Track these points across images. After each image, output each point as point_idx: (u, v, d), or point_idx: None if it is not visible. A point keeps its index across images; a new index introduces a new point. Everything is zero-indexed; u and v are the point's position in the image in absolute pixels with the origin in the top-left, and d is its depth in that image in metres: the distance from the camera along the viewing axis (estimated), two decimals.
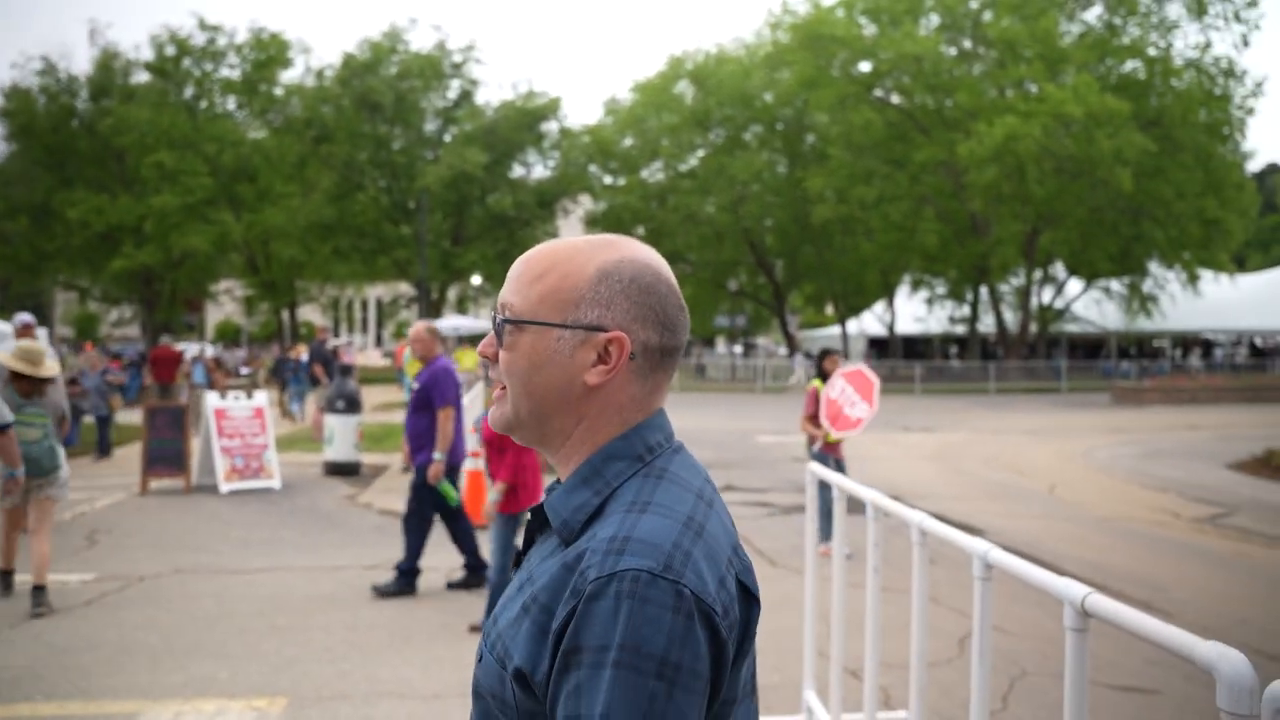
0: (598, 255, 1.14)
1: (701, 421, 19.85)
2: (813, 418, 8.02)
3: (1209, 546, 8.66)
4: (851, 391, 7.96)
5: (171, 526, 8.78)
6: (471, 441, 9.35)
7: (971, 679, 2.37)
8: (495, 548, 5.61)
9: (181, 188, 34.18)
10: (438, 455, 6.58)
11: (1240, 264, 51.52)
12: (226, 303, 49.18)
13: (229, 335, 61.22)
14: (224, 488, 10.61)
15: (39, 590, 5.94)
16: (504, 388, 1.16)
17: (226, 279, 46.09)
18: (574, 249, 1.16)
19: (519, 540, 5.85)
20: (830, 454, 7.98)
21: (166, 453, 10.66)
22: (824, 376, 8.16)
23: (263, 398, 11.57)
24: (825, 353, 8.45)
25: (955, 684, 4.79)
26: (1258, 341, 48.08)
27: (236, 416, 11.08)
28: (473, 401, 9.84)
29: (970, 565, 2.37)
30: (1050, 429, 19.78)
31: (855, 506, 3.74)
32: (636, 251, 1.16)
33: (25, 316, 9.27)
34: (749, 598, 1.08)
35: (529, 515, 1.19)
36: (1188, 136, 34.06)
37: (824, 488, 8.09)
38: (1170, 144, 33.54)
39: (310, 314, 57.27)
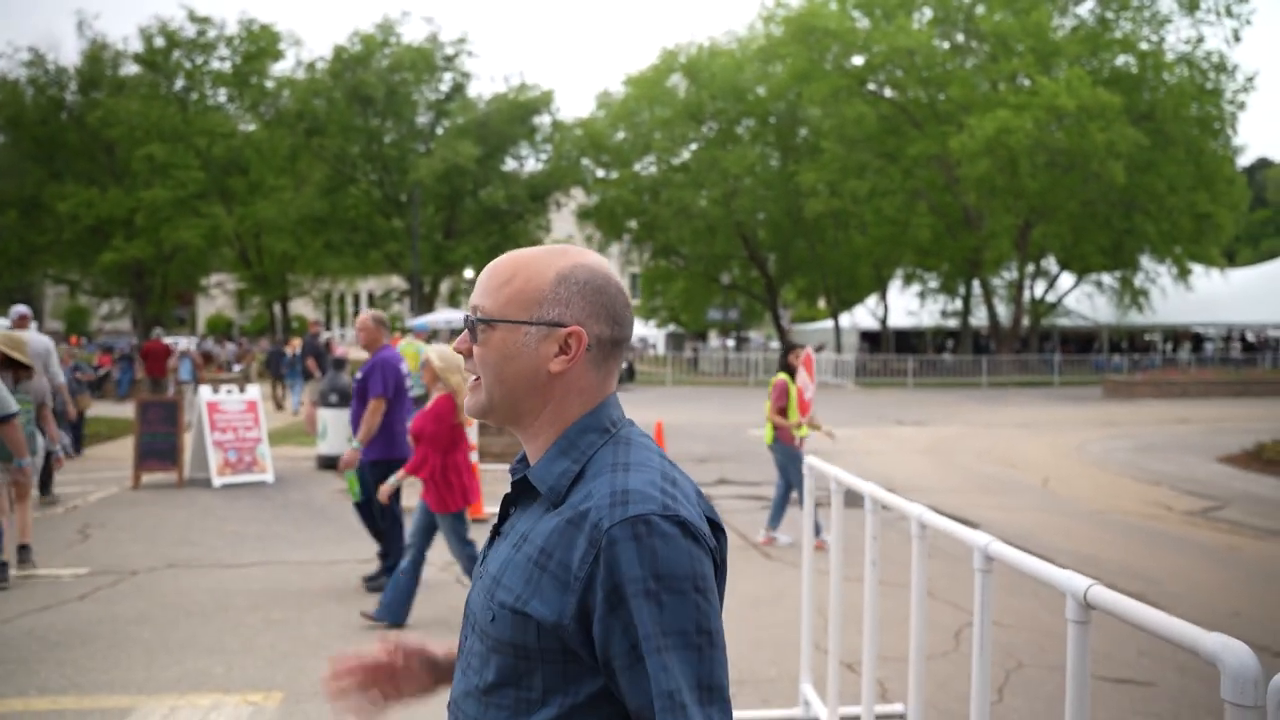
0: (555, 261, 1.34)
1: (694, 415, 19.87)
2: (782, 411, 8.01)
3: (1201, 540, 8.70)
4: (805, 375, 8.14)
5: (164, 520, 8.75)
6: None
7: (972, 671, 2.37)
8: (465, 541, 5.63)
9: (172, 181, 34.00)
10: (354, 443, 6.45)
11: (1230, 258, 51.68)
12: (218, 296, 49.00)
13: (221, 329, 61.00)
14: (217, 481, 10.58)
15: (24, 549, 6.61)
16: (478, 378, 1.35)
17: (218, 273, 45.94)
18: (534, 257, 1.35)
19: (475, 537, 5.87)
20: (790, 444, 8.02)
21: (159, 446, 10.62)
22: (789, 370, 8.18)
23: (255, 391, 11.53)
24: (790, 346, 8.44)
25: (951, 676, 4.80)
26: (1248, 336, 48.27)
27: (229, 410, 11.04)
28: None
29: (968, 558, 2.37)
30: (1043, 423, 19.83)
31: (853, 500, 3.74)
32: (588, 258, 1.37)
33: (21, 308, 9.35)
34: (718, 530, 1.30)
35: (509, 489, 1.37)
36: (1179, 130, 34.13)
37: (781, 475, 8.12)
38: (1162, 138, 33.60)
39: (302, 308, 57.08)
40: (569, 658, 1.22)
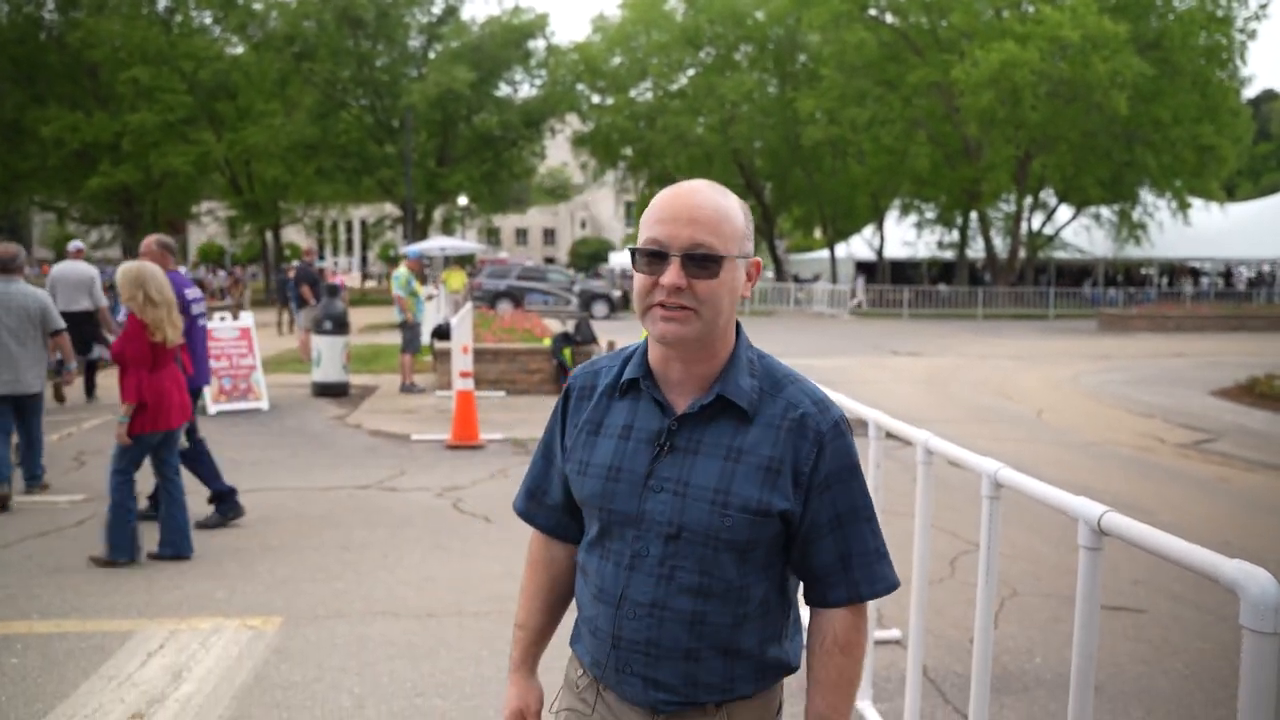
0: (734, 200, 1.56)
1: None
2: None
3: (1193, 471, 8.75)
4: None
5: None
6: (463, 361, 9.30)
7: (976, 599, 2.36)
8: (119, 467, 5.26)
9: (158, 105, 33.29)
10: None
11: (1229, 193, 51.27)
12: (209, 224, 48.42)
13: (213, 257, 60.49)
14: (212, 409, 10.55)
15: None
16: (687, 309, 1.49)
17: (209, 200, 45.34)
18: (721, 195, 1.54)
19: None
20: None
21: None
22: None
23: (249, 319, 11.44)
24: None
25: (947, 603, 4.85)
26: (1244, 271, 48.13)
27: (223, 338, 10.97)
28: (461, 322, 9.74)
29: (964, 486, 2.34)
30: (1037, 355, 19.86)
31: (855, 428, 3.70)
32: (735, 195, 1.59)
33: (76, 243, 11.18)
34: None
35: (656, 407, 1.58)
36: (1187, 60, 33.49)
37: None
38: (1169, 67, 33.01)
39: (294, 236, 56.58)
40: (778, 543, 1.56)
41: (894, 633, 4.37)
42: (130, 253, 37.07)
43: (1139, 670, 4.17)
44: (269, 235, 41.27)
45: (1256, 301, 39.03)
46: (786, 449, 1.52)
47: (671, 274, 1.47)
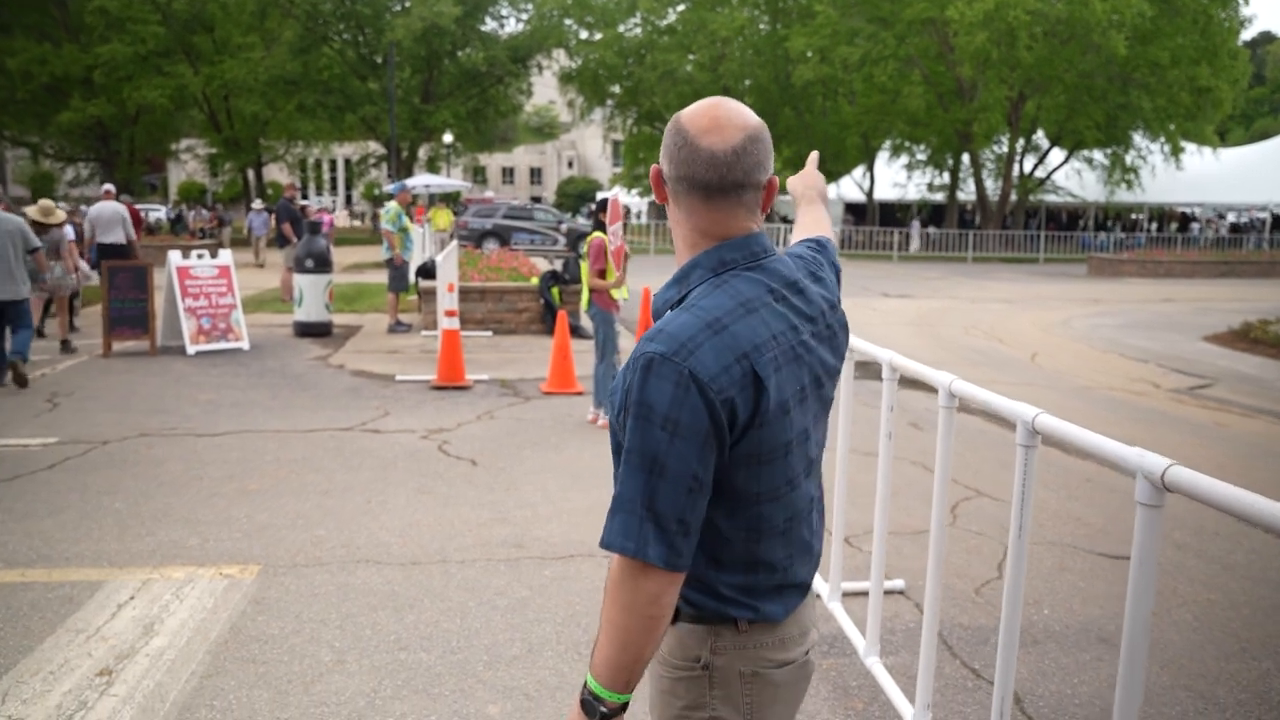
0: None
1: None
2: (601, 273, 7.26)
3: (1189, 416, 8.64)
4: (617, 226, 7.27)
5: (136, 389, 8.49)
6: (449, 299, 9.04)
7: (1008, 563, 2.18)
8: None
9: (130, 36, 32.27)
10: None
11: (1221, 137, 50.88)
12: (189, 161, 47.43)
13: (194, 195, 59.47)
14: (191, 349, 10.29)
15: (65, 343, 10.45)
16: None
17: (188, 137, 44.37)
18: (753, 115, 1.53)
19: None
20: (611, 310, 7.37)
21: (129, 313, 10.27)
22: (602, 227, 7.32)
23: (228, 257, 11.12)
24: (604, 203, 7.45)
25: (949, 551, 4.70)
26: (1233, 217, 47.94)
27: (201, 276, 10.66)
28: (446, 259, 9.47)
29: (966, 429, 2.14)
30: (1028, 298, 19.71)
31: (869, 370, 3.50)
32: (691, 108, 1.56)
33: (108, 186, 13.70)
34: (759, 384, 1.42)
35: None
36: None
37: (601, 357, 7.34)
38: (1169, 7, 32.39)
39: (277, 174, 55.59)
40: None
41: (898, 583, 4.23)
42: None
43: (1151, 623, 4.03)
44: (250, 173, 40.47)
45: (1246, 247, 38.92)
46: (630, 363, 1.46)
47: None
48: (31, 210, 10.54)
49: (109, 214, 12.06)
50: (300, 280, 11.81)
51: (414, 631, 3.69)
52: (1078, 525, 5.21)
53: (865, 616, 3.63)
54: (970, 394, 2.51)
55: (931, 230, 38.29)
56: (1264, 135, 54.73)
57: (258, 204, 23.98)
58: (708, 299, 1.44)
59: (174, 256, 10.68)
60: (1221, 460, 7.01)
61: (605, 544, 1.38)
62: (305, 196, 58.00)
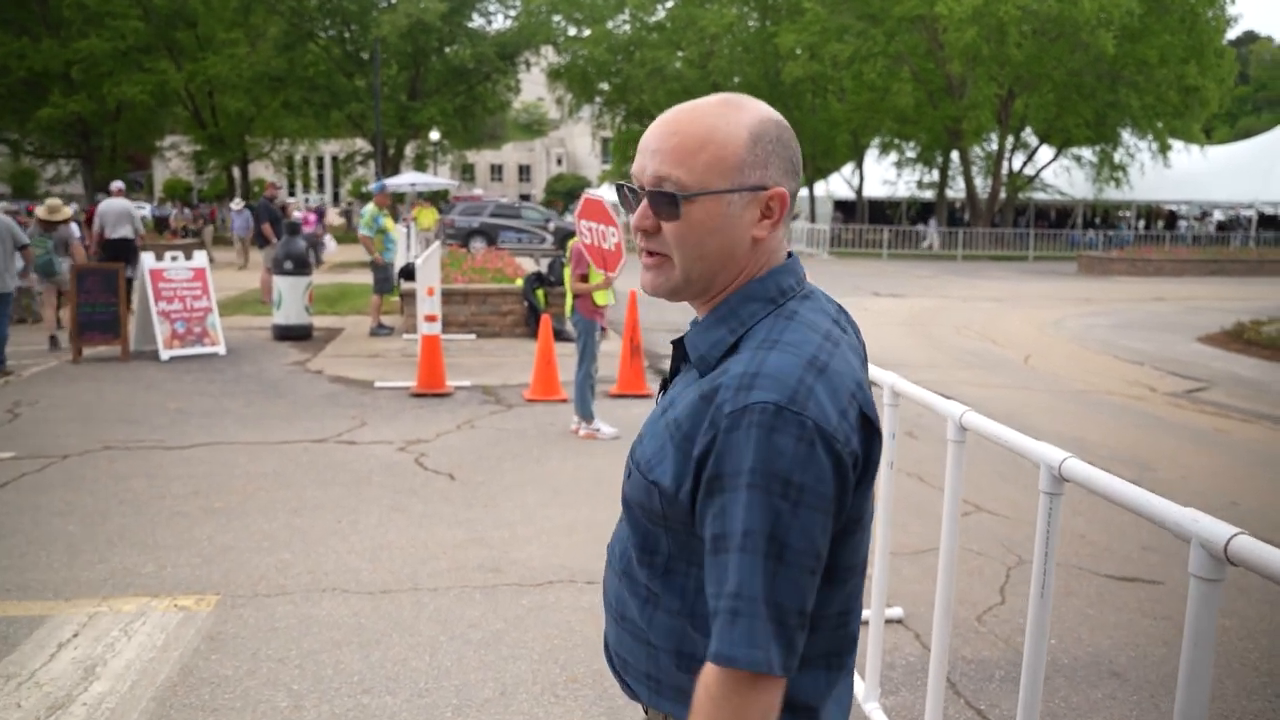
0: (740, 117, 1.22)
1: None
2: (583, 277, 6.99)
3: (1188, 421, 8.44)
4: (595, 225, 6.86)
5: (104, 397, 8.19)
6: (429, 304, 8.77)
7: (1029, 609, 1.95)
8: None
9: (110, 31, 31.76)
10: None
11: (1207, 135, 50.94)
12: (173, 159, 46.91)
13: (179, 193, 58.89)
14: (164, 354, 9.99)
15: (53, 339, 10.82)
16: (660, 255, 1.25)
17: (172, 134, 43.87)
18: (717, 114, 1.22)
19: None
20: (594, 317, 7.07)
21: (100, 318, 9.96)
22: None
23: (202, 258, 10.82)
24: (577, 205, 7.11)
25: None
26: (1219, 215, 47.99)
27: (175, 279, 10.36)
28: (427, 262, 9.19)
29: (978, 442, 1.90)
30: (1020, 297, 19.54)
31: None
32: (764, 108, 1.26)
33: (118, 183, 13.67)
34: (870, 428, 1.19)
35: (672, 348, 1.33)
36: None
37: (580, 364, 7.03)
38: (1157, 5, 32.33)
39: (263, 171, 55.09)
40: (693, 530, 1.20)
41: (896, 611, 4.00)
42: (91, 188, 35.87)
43: (1162, 654, 3.81)
44: (236, 171, 40.02)
45: (1233, 245, 38.92)
46: (691, 416, 1.18)
47: (638, 214, 1.25)
48: (40, 210, 11.55)
49: (117, 210, 12.21)
50: (279, 282, 11.52)
51: (379, 671, 3.44)
52: (1080, 544, 4.99)
53: (862, 651, 3.39)
54: (984, 429, 2.26)
55: (920, 227, 38.14)
56: (1248, 133, 54.84)
57: (237, 203, 23.60)
58: (789, 333, 1.19)
59: (146, 259, 10.37)
60: (1224, 470, 6.81)
61: (727, 659, 1.09)
62: (292, 194, 57.54)
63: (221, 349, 10.39)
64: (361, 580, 4.28)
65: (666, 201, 1.20)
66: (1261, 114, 68.58)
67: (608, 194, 7.79)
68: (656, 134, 1.23)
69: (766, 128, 1.23)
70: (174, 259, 10.60)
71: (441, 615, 3.93)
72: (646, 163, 1.22)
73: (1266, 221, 45.95)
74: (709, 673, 1.12)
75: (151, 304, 10.10)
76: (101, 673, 3.36)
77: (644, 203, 1.23)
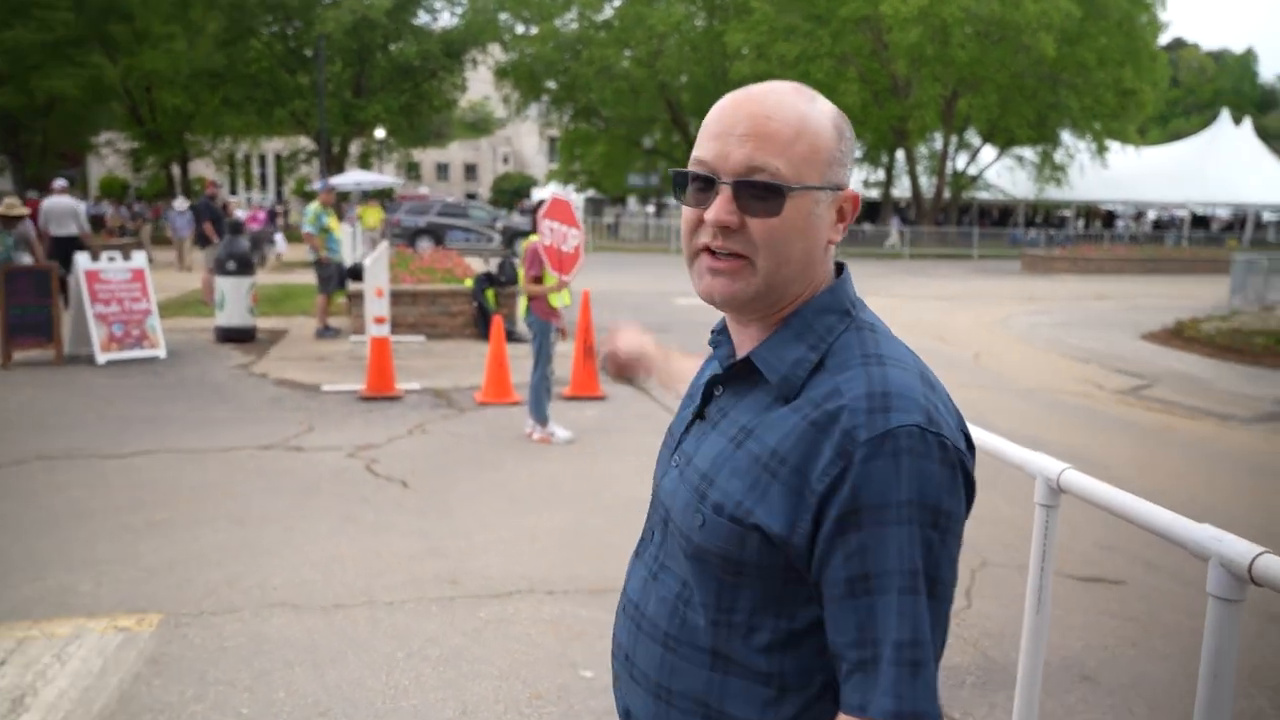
0: (824, 108, 1.14)
1: (618, 283, 19.26)
2: (536, 279, 6.85)
3: (1137, 419, 8.56)
4: (559, 226, 6.82)
5: (38, 404, 7.85)
6: (378, 305, 8.56)
7: (1024, 627, 1.87)
8: None
9: (36, 23, 30.69)
10: None
11: (1141, 136, 52.35)
12: (109, 156, 45.61)
13: (115, 192, 57.32)
14: (101, 358, 9.63)
15: None
16: (739, 258, 1.11)
17: (108, 130, 42.61)
18: (803, 101, 1.12)
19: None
20: (550, 319, 6.90)
21: (31, 320, 9.56)
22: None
23: (141, 259, 10.46)
24: (540, 204, 7.07)
25: None
26: (1154, 214, 49.27)
27: (112, 280, 10.00)
28: (375, 262, 8.98)
29: None
30: (966, 295, 19.78)
31: None
32: (830, 102, 1.16)
33: (62, 181, 13.83)
34: (970, 445, 1.11)
35: (717, 365, 1.23)
36: (1112, 2, 33.66)
37: (535, 367, 6.87)
38: (1094, 9, 33.09)
39: (203, 169, 53.84)
40: (789, 577, 1.07)
41: None
42: (20, 185, 34.68)
43: (1130, 655, 3.80)
44: (175, 169, 39.02)
45: (1168, 244, 39.96)
46: (799, 447, 1.04)
47: (718, 207, 1.09)
48: None
49: (62, 208, 12.46)
50: (222, 283, 11.19)
51: (335, 693, 3.28)
52: (1059, 549, 4.97)
53: None
54: (983, 443, 2.19)
55: (867, 227, 38.52)
56: (1178, 136, 56.35)
57: (180, 202, 22.97)
58: (886, 347, 1.10)
59: (81, 259, 9.99)
60: (1175, 467, 6.90)
61: (912, 715, 0.98)
62: (233, 193, 56.31)
63: (162, 352, 10.05)
64: (314, 594, 4.11)
65: (766, 194, 1.08)
66: (1191, 117, 70.51)
67: (560, 193, 7.66)
68: (744, 116, 1.09)
69: (843, 123, 1.14)
70: (111, 259, 10.23)
71: (398, 631, 3.78)
72: (731, 149, 1.09)
73: (1198, 221, 47.30)
74: None
75: (87, 306, 9.73)
76: (31, 704, 3.14)
77: (724, 195, 1.09)
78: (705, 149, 1.11)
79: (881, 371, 1.06)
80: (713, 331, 1.27)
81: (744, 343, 1.19)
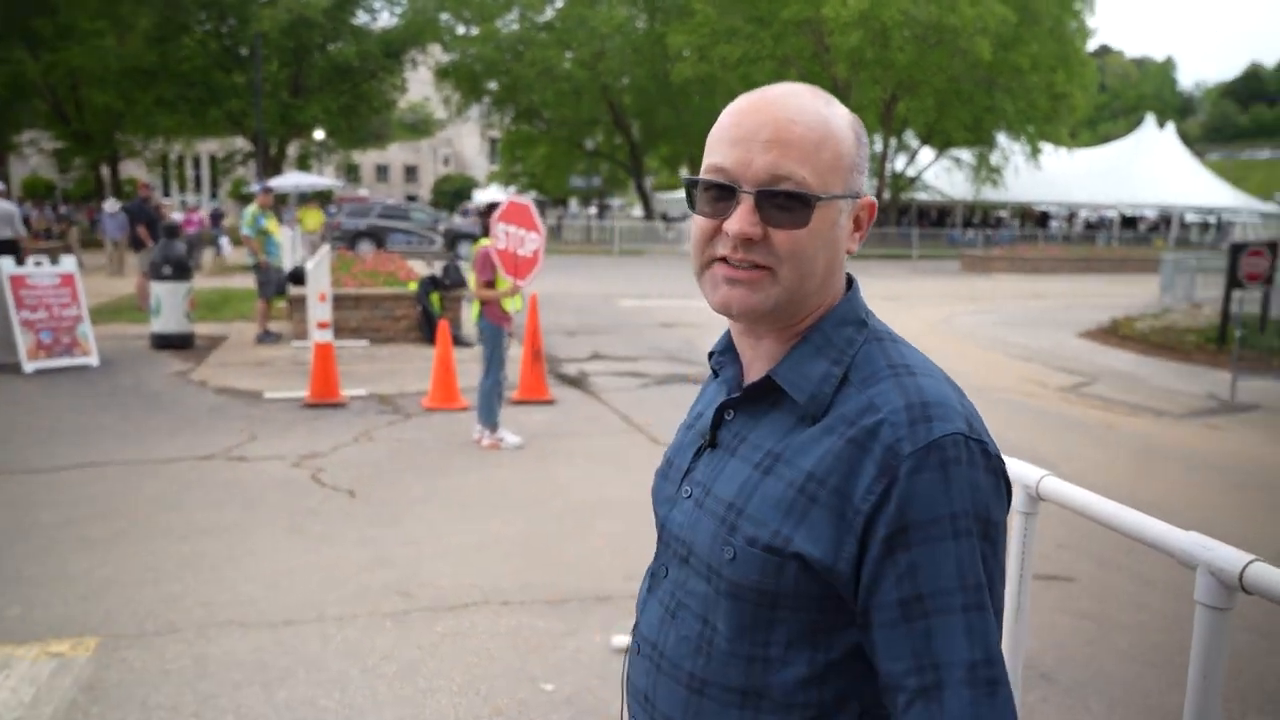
0: (841, 112, 1.10)
1: (560, 285, 19.12)
2: (489, 283, 6.75)
3: (1080, 417, 8.72)
4: (516, 229, 6.73)
5: None
6: (321, 310, 8.37)
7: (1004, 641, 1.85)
8: None
9: None
10: None
11: (1072, 139, 53.75)
12: (32, 155, 44.15)
13: (40, 193, 55.57)
14: (28, 367, 9.28)
15: None
16: (761, 269, 1.06)
17: (31, 128, 41.26)
18: (823, 105, 1.08)
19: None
20: (502, 324, 6.82)
21: None
22: (490, 234, 6.84)
23: (70, 263, 10.11)
24: (492, 207, 7.01)
25: None
26: (1085, 214, 50.63)
27: (39, 285, 9.64)
28: (318, 266, 8.78)
29: None
30: (909, 295, 20.03)
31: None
32: (844, 106, 1.14)
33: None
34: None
35: (720, 381, 1.19)
36: (1044, 9, 34.48)
37: (487, 373, 6.79)
38: (1028, 15, 33.86)
39: (135, 170, 52.46)
40: (828, 605, 1.02)
41: None
42: None
43: (1087, 652, 3.83)
44: (105, 170, 37.91)
45: (1099, 244, 41.05)
46: (838, 467, 1.00)
47: (740, 218, 1.04)
48: None
49: (2, 212, 12.51)
50: (157, 288, 10.87)
51: (286, 714, 3.16)
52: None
53: None
54: None
55: None
56: (1107, 139, 58.02)
57: (111, 204, 22.26)
58: (909, 357, 1.07)
59: (4, 264, 9.62)
60: (1118, 464, 7.03)
61: None
62: (166, 194, 54.98)
63: (94, 360, 9.72)
64: (261, 611, 3.97)
65: (791, 204, 1.03)
66: (1118, 120, 72.70)
67: (511, 196, 7.53)
68: (768, 120, 1.04)
69: (860, 127, 1.11)
70: (38, 264, 9.87)
71: (350, 646, 3.66)
72: (754, 156, 1.03)
73: (1127, 222, 48.70)
74: None
75: (12, 313, 9.37)
76: None
77: (746, 205, 1.04)
78: (724, 156, 1.06)
79: (914, 382, 1.02)
80: (713, 353, 1.21)
81: (756, 360, 1.13)
